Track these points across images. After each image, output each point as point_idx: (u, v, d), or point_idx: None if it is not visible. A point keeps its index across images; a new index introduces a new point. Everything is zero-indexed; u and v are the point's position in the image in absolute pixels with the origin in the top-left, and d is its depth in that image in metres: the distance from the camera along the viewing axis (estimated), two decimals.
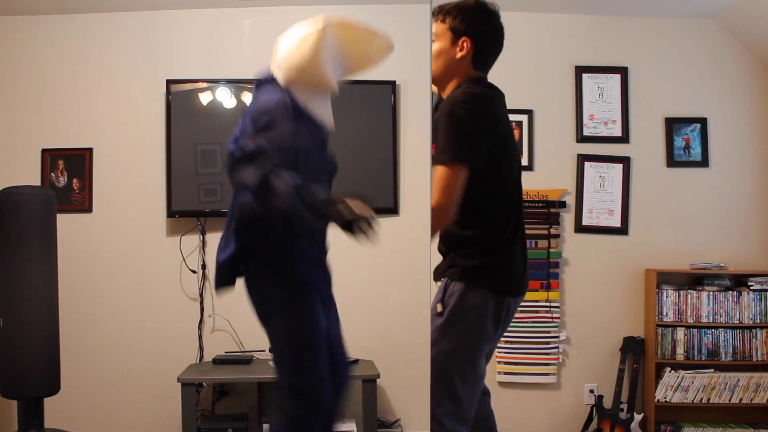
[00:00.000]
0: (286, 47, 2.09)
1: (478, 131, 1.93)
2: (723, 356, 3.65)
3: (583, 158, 3.83)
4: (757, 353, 3.64)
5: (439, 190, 1.91)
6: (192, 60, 3.79)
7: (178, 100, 3.68)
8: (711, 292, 3.66)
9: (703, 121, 3.85)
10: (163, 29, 3.81)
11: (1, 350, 3.08)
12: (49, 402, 3.26)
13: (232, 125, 3.69)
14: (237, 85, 3.69)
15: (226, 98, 3.69)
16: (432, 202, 1.93)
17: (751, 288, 3.65)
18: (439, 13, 2.09)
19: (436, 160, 1.95)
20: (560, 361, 3.79)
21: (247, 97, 3.70)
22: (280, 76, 2.08)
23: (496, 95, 2.07)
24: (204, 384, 3.54)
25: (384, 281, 3.78)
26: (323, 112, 2.13)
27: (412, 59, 3.79)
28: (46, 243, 3.15)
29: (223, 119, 3.69)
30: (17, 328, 3.06)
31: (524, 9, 3.82)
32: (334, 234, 3.89)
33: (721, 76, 3.87)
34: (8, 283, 3.07)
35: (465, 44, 2.03)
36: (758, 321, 3.64)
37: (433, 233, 1.99)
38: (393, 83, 3.75)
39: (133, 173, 3.78)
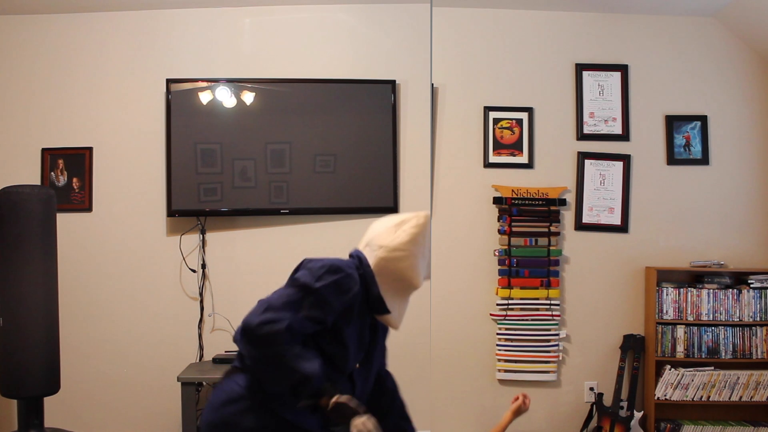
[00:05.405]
0: (382, 227, 1.95)
1: None
2: (723, 354, 3.65)
3: (583, 156, 3.83)
4: (757, 351, 3.64)
5: None
6: (192, 59, 3.79)
7: (178, 99, 3.68)
8: (711, 290, 3.67)
9: (703, 119, 3.85)
10: (163, 28, 3.81)
11: (0, 349, 3.10)
12: (49, 401, 3.27)
13: (232, 124, 3.74)
14: (237, 84, 3.69)
15: (225, 97, 3.69)
16: None
17: (751, 286, 3.65)
18: None
19: None
20: (560, 358, 3.80)
21: (247, 96, 3.70)
22: (369, 255, 1.92)
23: None
24: (204, 383, 3.56)
25: None
26: (396, 308, 1.97)
27: (412, 59, 3.82)
28: (46, 242, 3.16)
29: (223, 118, 3.69)
30: (17, 327, 3.07)
31: (525, 7, 3.82)
32: (329, 236, 3.91)
33: (722, 74, 3.86)
34: (8, 282, 3.08)
35: None
36: (758, 319, 3.64)
37: None
38: (393, 82, 3.75)
39: (132, 172, 3.78)
